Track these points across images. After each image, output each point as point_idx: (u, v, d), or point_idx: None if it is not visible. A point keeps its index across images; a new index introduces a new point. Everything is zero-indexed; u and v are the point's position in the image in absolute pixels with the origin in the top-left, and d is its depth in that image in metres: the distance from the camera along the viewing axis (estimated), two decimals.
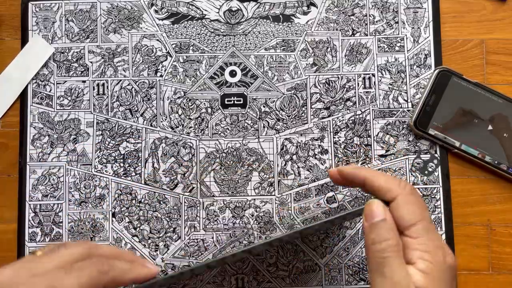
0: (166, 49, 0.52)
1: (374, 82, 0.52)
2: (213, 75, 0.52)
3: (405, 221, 0.35)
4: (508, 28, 0.53)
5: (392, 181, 0.37)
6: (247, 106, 0.52)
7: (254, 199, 0.51)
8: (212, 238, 0.50)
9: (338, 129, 0.52)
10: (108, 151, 0.51)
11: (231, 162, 0.51)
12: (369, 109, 0.52)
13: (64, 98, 0.52)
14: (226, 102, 0.52)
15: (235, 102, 0.52)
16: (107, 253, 0.37)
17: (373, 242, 0.35)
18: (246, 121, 0.52)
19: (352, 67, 0.52)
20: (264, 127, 0.52)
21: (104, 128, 0.52)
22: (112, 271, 0.36)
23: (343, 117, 0.52)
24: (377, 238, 0.35)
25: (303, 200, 0.51)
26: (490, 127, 0.50)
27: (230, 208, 0.51)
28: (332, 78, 0.52)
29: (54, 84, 0.52)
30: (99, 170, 0.51)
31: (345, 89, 0.52)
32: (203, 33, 0.53)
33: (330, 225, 0.38)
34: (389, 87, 0.52)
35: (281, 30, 0.53)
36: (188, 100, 0.52)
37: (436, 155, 0.51)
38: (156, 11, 0.53)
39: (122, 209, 0.51)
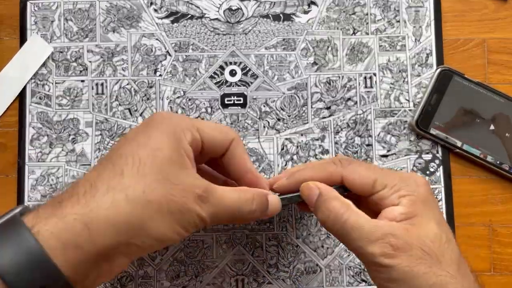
0: (165, 48, 0.52)
1: (375, 81, 0.52)
2: (213, 74, 0.52)
3: (364, 182, 0.35)
4: (510, 27, 0.52)
5: (326, 167, 0.37)
6: (247, 105, 0.52)
7: None
8: (212, 238, 0.50)
9: (339, 129, 0.51)
10: (107, 151, 0.51)
11: None
12: (370, 108, 0.51)
13: (63, 97, 0.52)
14: (226, 102, 0.52)
15: (235, 102, 0.52)
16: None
17: (324, 221, 0.35)
18: (246, 121, 0.52)
19: (353, 67, 0.52)
20: (264, 127, 0.51)
21: (103, 128, 0.51)
22: (237, 143, 0.38)
23: (344, 117, 0.51)
24: (324, 216, 0.35)
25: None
26: (492, 127, 0.50)
27: None
28: (333, 78, 0.52)
29: (53, 83, 0.52)
30: None
31: (346, 88, 0.52)
32: (202, 32, 0.52)
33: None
34: (390, 87, 0.52)
35: (282, 29, 0.52)
36: (187, 99, 0.52)
37: (437, 155, 0.51)
38: (155, 10, 0.53)
39: None
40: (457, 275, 0.31)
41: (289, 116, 0.52)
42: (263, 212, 0.36)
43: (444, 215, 0.50)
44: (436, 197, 0.35)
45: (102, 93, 0.52)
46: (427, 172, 0.50)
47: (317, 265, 0.50)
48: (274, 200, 0.37)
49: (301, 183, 0.37)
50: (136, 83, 0.52)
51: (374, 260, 0.32)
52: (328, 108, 0.52)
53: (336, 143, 0.51)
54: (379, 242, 0.32)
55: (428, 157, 0.51)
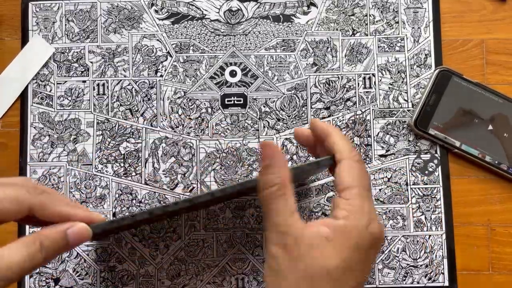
0: (166, 49, 0.52)
1: (374, 82, 0.52)
2: (213, 75, 0.52)
3: (343, 183, 0.35)
4: (508, 28, 0.53)
5: (345, 145, 0.37)
6: (247, 106, 0.52)
7: (254, 199, 0.51)
8: (212, 238, 0.50)
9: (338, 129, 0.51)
10: (109, 151, 0.51)
11: (231, 162, 0.51)
12: (369, 109, 0.52)
13: (64, 98, 0.52)
14: (226, 102, 0.52)
15: (235, 102, 0.52)
16: (50, 191, 0.35)
17: (262, 187, 0.35)
18: (246, 121, 0.52)
19: (352, 67, 0.52)
20: (264, 127, 0.52)
21: (104, 128, 0.52)
22: (44, 197, 0.33)
23: (343, 117, 0.52)
24: (265, 183, 0.34)
25: (303, 200, 0.51)
26: (490, 127, 0.50)
27: (231, 208, 0.51)
28: (332, 78, 0.52)
29: (54, 84, 0.52)
30: (100, 170, 0.51)
31: (345, 89, 0.52)
32: (203, 33, 0.53)
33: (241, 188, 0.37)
34: (389, 87, 0.52)
35: (281, 30, 0.53)
36: (188, 100, 0.52)
37: (436, 155, 0.51)
38: (156, 11, 0.53)
39: (123, 209, 0.51)
40: None
41: (288, 116, 0.52)
42: (62, 249, 0.34)
43: (443, 215, 0.50)
44: (380, 244, 0.35)
45: (104, 94, 0.52)
46: (426, 172, 0.51)
47: None
48: (77, 230, 0.35)
49: (328, 133, 0.38)
50: (137, 83, 0.52)
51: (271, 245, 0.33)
52: (328, 108, 0.52)
53: None
54: (289, 238, 0.33)
55: (427, 157, 0.51)
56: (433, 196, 0.50)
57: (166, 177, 0.51)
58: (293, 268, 0.32)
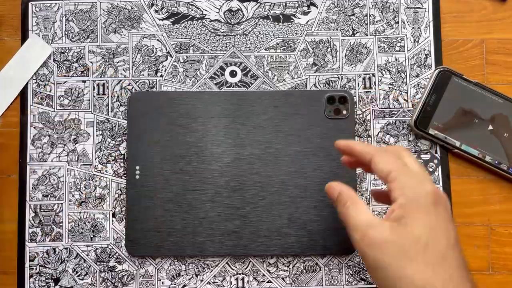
0: (166, 49, 0.52)
1: (374, 82, 0.52)
2: (213, 75, 0.52)
3: (382, 172, 0.37)
4: (509, 28, 0.53)
5: (366, 147, 0.40)
6: None
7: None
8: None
9: None
10: (108, 151, 0.51)
11: None
12: (369, 109, 0.52)
13: (64, 98, 0.52)
14: None
15: None
16: None
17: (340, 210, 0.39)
18: None
19: (352, 67, 0.52)
20: None
21: (104, 128, 0.52)
22: None
23: None
24: (340, 204, 0.39)
25: None
26: (490, 127, 0.50)
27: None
28: (332, 78, 0.52)
29: (54, 84, 0.52)
30: (100, 170, 0.51)
31: (345, 89, 0.52)
32: (203, 33, 0.53)
33: None
34: (389, 87, 0.52)
35: (281, 30, 0.53)
36: None
37: (436, 155, 0.51)
38: (156, 11, 0.53)
39: (122, 209, 0.50)
40: (432, 275, 0.33)
41: None
42: None
43: None
44: (444, 200, 0.37)
45: (104, 94, 0.52)
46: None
47: (316, 264, 0.50)
48: None
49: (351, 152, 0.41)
50: (137, 83, 0.52)
51: (355, 245, 0.37)
52: None
53: None
54: (359, 232, 0.36)
55: (427, 157, 0.51)
56: None
57: None
58: (390, 239, 0.35)
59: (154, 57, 0.52)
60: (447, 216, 0.36)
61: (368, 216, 0.37)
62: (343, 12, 0.53)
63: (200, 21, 0.53)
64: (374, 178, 0.51)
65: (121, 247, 0.50)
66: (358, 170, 0.51)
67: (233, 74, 0.52)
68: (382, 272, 0.34)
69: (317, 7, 0.53)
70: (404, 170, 0.37)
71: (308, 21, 0.53)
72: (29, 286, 0.50)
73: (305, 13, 0.53)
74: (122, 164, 0.51)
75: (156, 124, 0.50)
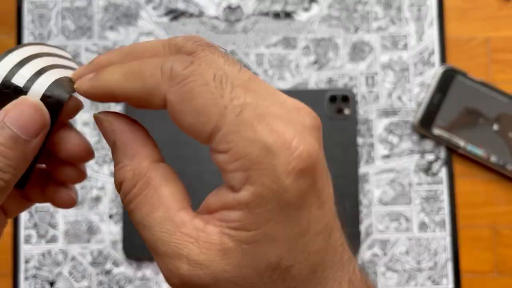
0: None
1: (377, 80, 0.51)
2: None
3: (196, 133, 0.20)
4: None
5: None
6: None
7: None
8: None
9: None
10: (105, 151, 0.51)
11: None
12: (372, 108, 0.51)
13: None
14: None
15: None
16: None
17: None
18: None
19: (355, 65, 0.51)
20: None
21: None
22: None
23: None
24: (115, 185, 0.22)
25: None
26: (495, 127, 0.50)
27: None
28: (334, 77, 0.51)
29: None
30: (96, 171, 0.50)
31: (347, 88, 0.51)
32: (202, 30, 0.52)
33: None
34: (392, 86, 0.51)
35: (282, 27, 0.52)
36: None
37: (440, 155, 0.50)
38: (153, 8, 0.52)
39: (119, 211, 0.50)
40: None
41: None
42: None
43: (447, 217, 0.49)
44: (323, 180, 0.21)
45: None
46: (430, 173, 0.50)
47: None
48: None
49: (104, 94, 0.22)
50: None
51: (165, 279, 0.21)
52: None
53: None
54: (167, 262, 0.20)
55: (431, 157, 0.50)
56: (437, 197, 0.50)
57: None
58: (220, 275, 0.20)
59: None
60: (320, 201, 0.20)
61: (178, 225, 0.20)
62: (345, 9, 0.52)
63: (198, 18, 0.52)
64: (376, 179, 0.50)
65: (118, 249, 0.50)
66: (361, 170, 0.50)
67: None
68: None
69: (318, 4, 0.52)
70: (247, 121, 0.19)
71: (310, 18, 0.52)
72: None
73: (306, 10, 0.52)
74: None
75: (153, 124, 0.49)
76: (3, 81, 0.20)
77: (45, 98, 0.20)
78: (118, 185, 0.21)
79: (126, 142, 0.21)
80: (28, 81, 0.20)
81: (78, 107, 0.23)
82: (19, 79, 0.20)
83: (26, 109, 0.20)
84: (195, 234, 0.20)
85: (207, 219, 0.20)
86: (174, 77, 0.20)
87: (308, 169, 0.19)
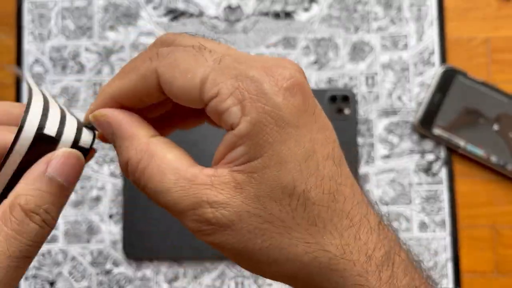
0: None
1: (377, 80, 0.51)
2: None
3: (187, 91, 0.21)
4: None
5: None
6: None
7: None
8: None
9: None
10: (105, 151, 0.51)
11: None
12: (372, 108, 0.51)
13: (60, 97, 0.51)
14: None
15: None
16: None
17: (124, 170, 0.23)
18: None
19: (355, 65, 0.51)
20: None
21: None
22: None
23: None
24: (121, 164, 0.23)
25: None
26: (495, 127, 0.50)
27: None
28: (334, 77, 0.51)
29: (49, 83, 0.51)
30: (96, 171, 0.50)
31: (348, 88, 0.51)
32: (202, 30, 0.52)
33: None
34: (392, 86, 0.51)
35: (282, 27, 0.52)
36: None
37: (440, 155, 0.50)
38: (153, 8, 0.52)
39: (119, 211, 0.50)
40: (336, 238, 0.20)
41: None
42: None
43: (447, 217, 0.49)
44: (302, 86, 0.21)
45: None
46: (430, 173, 0.50)
47: None
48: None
49: (110, 103, 0.23)
50: None
51: (195, 235, 0.22)
52: None
53: None
54: (191, 215, 0.21)
55: (431, 157, 0.50)
56: (437, 197, 0.50)
57: None
58: (245, 210, 0.21)
59: None
60: (316, 119, 0.21)
61: (190, 176, 0.21)
62: (346, 9, 0.52)
63: (198, 18, 0.52)
64: (377, 180, 0.50)
65: (118, 249, 0.49)
66: (361, 170, 0.50)
67: None
68: (248, 258, 0.21)
69: (318, 4, 0.52)
70: (228, 66, 0.21)
71: (310, 18, 0.52)
72: None
73: (307, 10, 0.52)
74: (118, 165, 0.50)
75: None
76: (38, 132, 0.21)
77: (75, 146, 0.22)
78: (124, 166, 0.22)
79: (122, 128, 0.23)
80: (58, 130, 0.22)
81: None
82: (51, 129, 0.22)
83: (69, 160, 0.22)
84: (208, 181, 0.21)
85: (216, 167, 0.21)
86: (161, 54, 0.22)
87: (295, 87, 0.20)
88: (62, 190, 0.22)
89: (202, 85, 0.21)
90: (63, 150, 0.22)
